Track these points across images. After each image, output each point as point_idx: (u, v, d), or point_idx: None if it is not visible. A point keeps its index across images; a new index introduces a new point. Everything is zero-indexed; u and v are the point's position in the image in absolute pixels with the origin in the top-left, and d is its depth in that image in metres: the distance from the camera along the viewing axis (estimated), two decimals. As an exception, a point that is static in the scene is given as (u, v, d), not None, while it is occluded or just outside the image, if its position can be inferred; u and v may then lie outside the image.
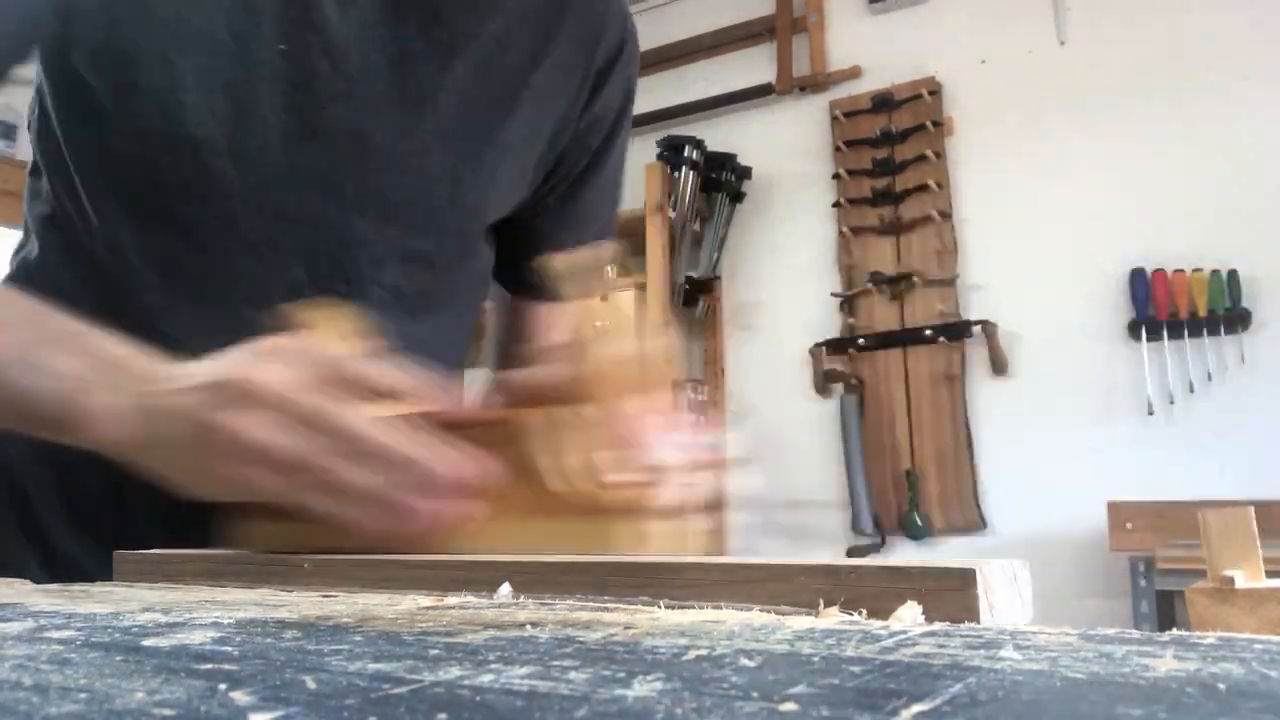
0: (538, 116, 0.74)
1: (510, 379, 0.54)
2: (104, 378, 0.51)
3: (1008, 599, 0.32)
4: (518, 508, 0.47)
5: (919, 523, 2.80)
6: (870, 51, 3.12)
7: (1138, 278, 2.63)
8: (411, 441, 0.46)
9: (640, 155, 3.10)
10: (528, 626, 0.28)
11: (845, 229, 3.02)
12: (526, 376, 0.53)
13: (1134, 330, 2.64)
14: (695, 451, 0.50)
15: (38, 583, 0.52)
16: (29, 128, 0.69)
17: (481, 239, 0.76)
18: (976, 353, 2.83)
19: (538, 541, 0.46)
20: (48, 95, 0.64)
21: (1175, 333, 2.59)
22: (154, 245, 0.65)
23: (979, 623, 0.30)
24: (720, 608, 0.33)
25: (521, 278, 0.81)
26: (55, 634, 0.28)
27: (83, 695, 0.19)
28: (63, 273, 0.67)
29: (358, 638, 0.26)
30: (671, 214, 3.08)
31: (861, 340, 2.96)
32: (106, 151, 0.63)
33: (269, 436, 0.46)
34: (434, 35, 0.68)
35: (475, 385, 0.60)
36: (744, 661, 0.22)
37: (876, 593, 0.31)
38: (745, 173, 3.20)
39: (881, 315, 2.96)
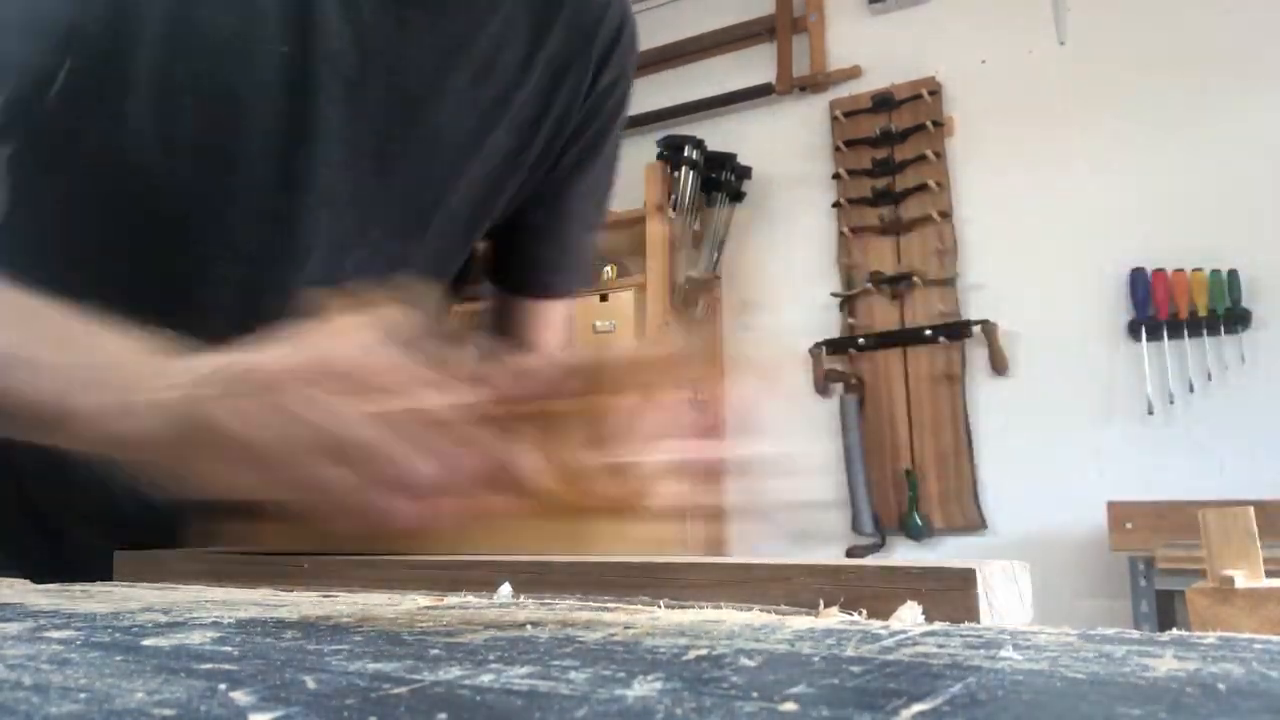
0: (532, 112, 0.73)
1: (505, 372, 0.49)
2: (94, 376, 0.48)
3: (1007, 599, 0.32)
4: (507, 506, 0.44)
5: (919, 523, 2.79)
6: (870, 51, 3.12)
7: (1138, 277, 2.63)
8: (396, 439, 0.42)
9: (640, 155, 3.11)
10: (528, 626, 0.28)
11: (845, 229, 3.02)
12: (523, 369, 0.49)
13: (1134, 330, 2.64)
14: (696, 452, 0.47)
15: (40, 577, 0.52)
16: None
17: (464, 242, 0.75)
18: (976, 353, 2.82)
19: (523, 542, 0.44)
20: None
21: (1175, 332, 2.59)
22: (136, 247, 0.64)
23: (979, 623, 0.30)
24: (720, 608, 0.33)
25: (511, 274, 0.81)
26: (55, 634, 0.28)
27: (83, 695, 0.19)
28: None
29: (358, 638, 0.26)
30: (671, 214, 3.08)
31: (861, 340, 2.96)
32: (101, 148, 0.62)
33: (248, 429, 0.43)
34: (436, 39, 0.66)
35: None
36: (744, 661, 0.22)
37: (876, 593, 0.31)
38: (745, 173, 3.19)
39: (881, 315, 2.96)
